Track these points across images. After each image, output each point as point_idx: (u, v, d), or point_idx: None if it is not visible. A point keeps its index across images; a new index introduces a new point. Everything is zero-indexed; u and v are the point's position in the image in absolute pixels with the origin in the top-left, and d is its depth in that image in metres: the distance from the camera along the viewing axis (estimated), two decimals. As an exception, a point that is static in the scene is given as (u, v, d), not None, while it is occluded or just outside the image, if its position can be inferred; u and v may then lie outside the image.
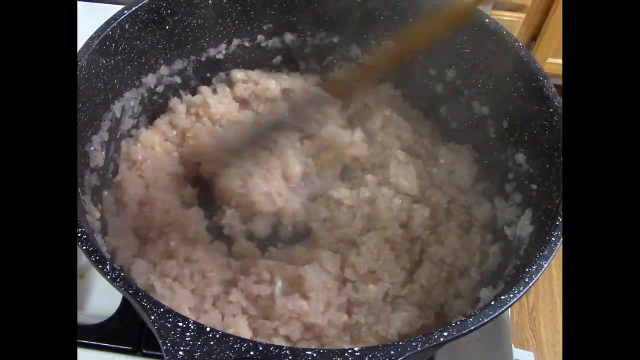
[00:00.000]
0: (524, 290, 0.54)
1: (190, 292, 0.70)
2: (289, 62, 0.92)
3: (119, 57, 0.72)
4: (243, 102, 0.91)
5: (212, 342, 0.47)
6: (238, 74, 0.90)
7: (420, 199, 0.81)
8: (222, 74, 0.90)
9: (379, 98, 0.90)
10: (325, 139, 0.86)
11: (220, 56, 0.87)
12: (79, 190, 0.67)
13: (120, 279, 0.51)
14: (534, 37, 2.05)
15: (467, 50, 0.78)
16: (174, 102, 0.87)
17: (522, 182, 0.73)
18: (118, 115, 0.77)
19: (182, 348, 0.47)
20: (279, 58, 0.92)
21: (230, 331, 0.65)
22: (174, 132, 0.86)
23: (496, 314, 0.52)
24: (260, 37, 0.88)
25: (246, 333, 0.66)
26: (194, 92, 0.89)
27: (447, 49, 0.80)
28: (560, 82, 0.55)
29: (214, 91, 0.89)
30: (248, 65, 0.91)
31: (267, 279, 0.70)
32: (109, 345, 0.72)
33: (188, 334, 0.48)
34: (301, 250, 0.76)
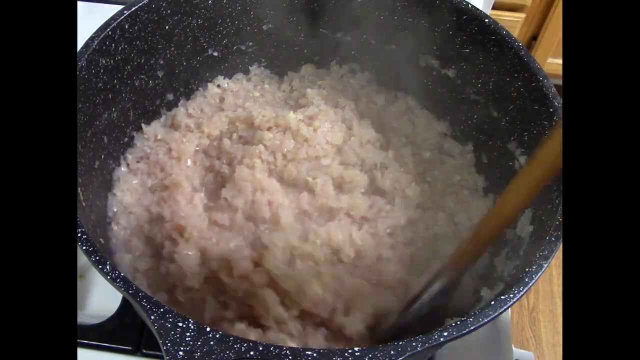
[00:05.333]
0: (524, 290, 0.53)
1: None
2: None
3: (119, 57, 0.72)
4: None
5: (212, 342, 0.47)
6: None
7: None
8: (220, 76, 0.90)
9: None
10: None
11: (219, 57, 0.87)
12: (79, 190, 0.67)
13: (120, 279, 0.51)
14: (534, 37, 2.05)
15: (467, 50, 0.78)
16: (174, 101, 0.87)
17: (522, 182, 0.73)
18: (118, 116, 0.77)
19: (182, 348, 0.47)
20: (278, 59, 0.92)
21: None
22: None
23: (496, 314, 0.52)
24: (259, 38, 0.88)
25: None
26: (192, 94, 0.89)
27: (447, 48, 0.80)
28: (560, 82, 0.55)
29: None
30: (247, 66, 0.91)
31: None
32: (109, 345, 0.72)
33: (188, 334, 0.48)
34: None
